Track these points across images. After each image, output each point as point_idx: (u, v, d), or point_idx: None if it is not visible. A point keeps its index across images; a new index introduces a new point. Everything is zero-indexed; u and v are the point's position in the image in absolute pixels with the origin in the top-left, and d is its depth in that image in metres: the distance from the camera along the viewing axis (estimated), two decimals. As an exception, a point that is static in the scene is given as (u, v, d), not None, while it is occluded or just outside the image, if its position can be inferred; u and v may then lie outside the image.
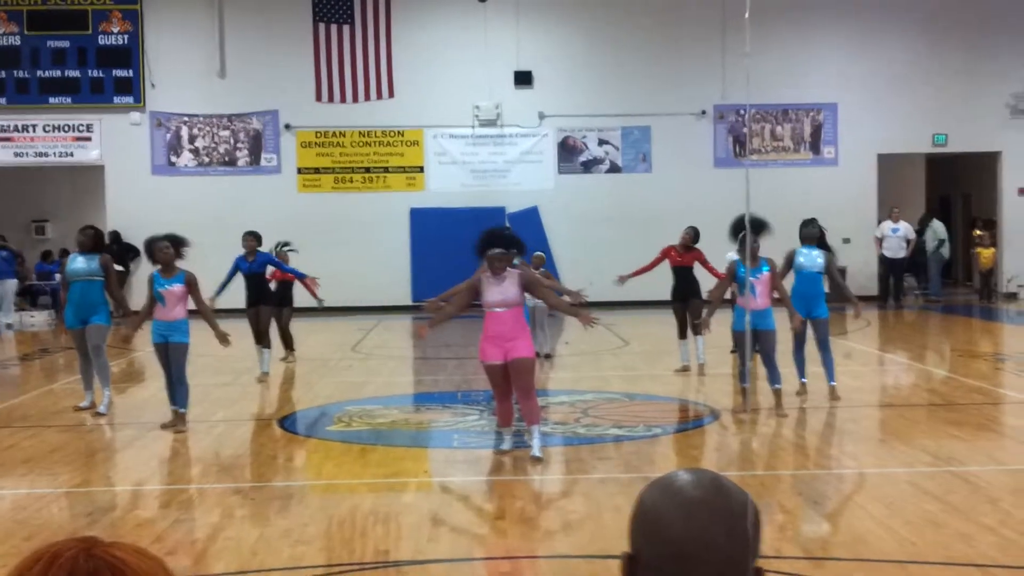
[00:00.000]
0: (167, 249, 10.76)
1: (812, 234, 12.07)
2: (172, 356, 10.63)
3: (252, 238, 14.69)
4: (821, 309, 11.88)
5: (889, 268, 24.34)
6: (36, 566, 1.28)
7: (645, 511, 1.68)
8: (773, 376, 11.00)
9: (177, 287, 10.62)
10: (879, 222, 24.98)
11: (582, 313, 9.38)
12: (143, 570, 1.30)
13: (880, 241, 24.26)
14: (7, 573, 1.30)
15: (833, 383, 11.83)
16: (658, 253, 14.48)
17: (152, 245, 10.91)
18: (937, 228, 25.19)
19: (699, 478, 1.70)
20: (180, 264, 10.91)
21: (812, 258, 11.92)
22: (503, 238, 9.38)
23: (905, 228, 24.28)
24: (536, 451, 9.04)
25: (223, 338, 10.74)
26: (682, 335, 14.18)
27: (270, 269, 15.00)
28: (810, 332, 11.89)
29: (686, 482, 1.69)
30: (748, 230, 10.86)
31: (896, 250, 24.09)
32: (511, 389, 9.28)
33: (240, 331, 14.78)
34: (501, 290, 9.10)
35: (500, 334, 9.05)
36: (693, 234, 14.28)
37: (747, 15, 10.77)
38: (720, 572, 1.63)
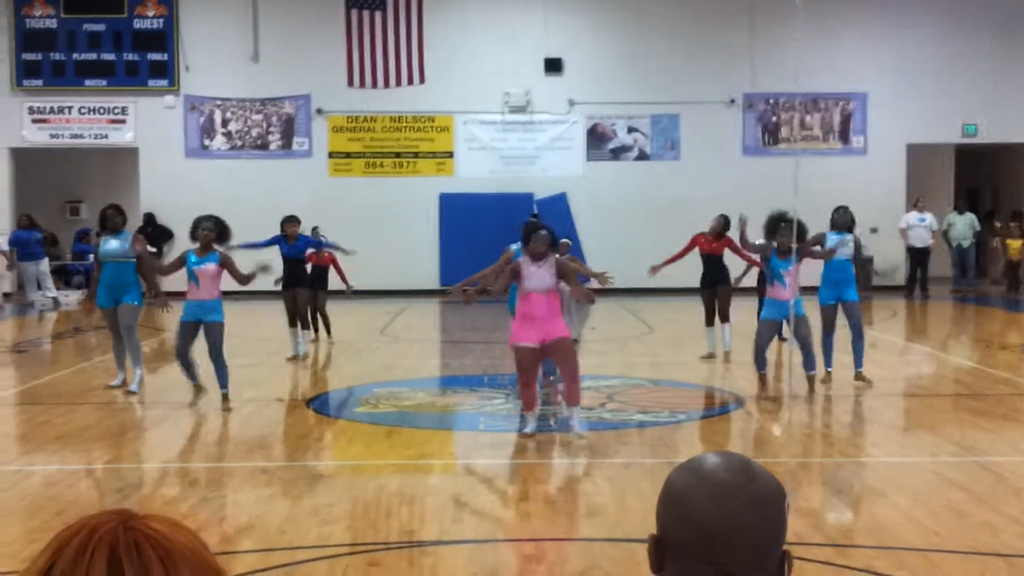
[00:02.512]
0: (210, 232, 10.80)
1: (845, 221, 12.08)
2: (209, 336, 10.72)
3: (295, 223, 14.71)
4: (851, 292, 11.90)
5: (915, 258, 24.15)
6: (74, 539, 1.28)
7: (674, 493, 1.68)
8: (808, 362, 11.01)
9: (211, 266, 10.69)
10: (907, 212, 24.84)
11: (598, 274, 9.59)
12: (180, 542, 1.30)
13: (904, 232, 24.07)
14: (44, 547, 1.29)
15: (860, 369, 11.84)
16: (688, 241, 14.48)
17: (197, 224, 10.93)
18: (973, 219, 24.99)
19: (729, 461, 1.69)
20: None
21: (841, 244, 11.94)
22: (547, 232, 9.52)
23: (931, 218, 24.09)
24: (578, 429, 9.22)
25: (246, 280, 10.86)
26: (709, 322, 14.19)
27: (308, 251, 15.11)
28: (843, 320, 11.88)
29: (715, 465, 1.68)
30: (795, 224, 10.88)
31: (923, 240, 23.92)
32: (536, 374, 9.37)
33: (271, 312, 14.91)
34: (540, 275, 9.23)
35: (536, 315, 9.17)
36: (723, 222, 14.26)
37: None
38: (749, 555, 1.63)
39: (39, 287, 22.57)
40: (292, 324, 14.52)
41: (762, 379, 11.25)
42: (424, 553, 6.29)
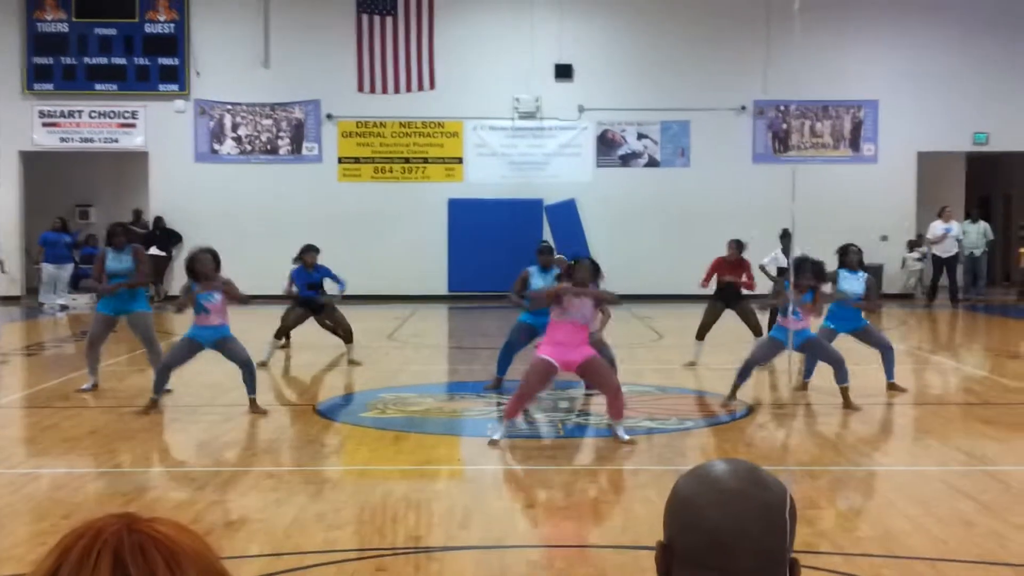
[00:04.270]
0: (208, 263, 10.70)
1: (852, 262, 12.12)
2: (229, 352, 10.75)
3: (314, 253, 14.62)
4: (859, 322, 11.98)
5: (941, 268, 23.96)
6: (79, 542, 1.27)
7: (681, 500, 1.68)
8: (839, 375, 10.98)
9: (218, 298, 10.67)
10: (917, 221, 24.77)
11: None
12: (185, 544, 1.30)
13: (931, 241, 23.90)
14: (49, 550, 1.29)
15: (891, 379, 11.94)
16: (709, 267, 14.42)
17: (194, 259, 10.78)
18: (987, 228, 24.92)
19: (736, 468, 1.69)
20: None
21: (853, 283, 11.99)
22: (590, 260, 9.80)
23: (956, 227, 23.94)
24: (624, 437, 9.28)
25: (246, 300, 10.91)
26: (700, 336, 14.17)
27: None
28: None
29: (723, 472, 1.68)
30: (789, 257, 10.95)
31: (947, 250, 23.75)
32: (537, 392, 9.66)
33: (278, 317, 14.90)
34: (578, 305, 9.37)
35: (565, 342, 9.31)
36: (736, 247, 14.26)
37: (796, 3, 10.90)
38: (756, 563, 1.63)
39: (54, 290, 22.68)
40: (348, 341, 14.44)
41: (735, 389, 11.21)
42: (431, 559, 6.28)
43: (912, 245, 24.80)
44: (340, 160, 25.19)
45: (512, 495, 8.04)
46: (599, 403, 11.37)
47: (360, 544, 6.56)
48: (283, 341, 15.06)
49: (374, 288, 23.92)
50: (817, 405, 11.38)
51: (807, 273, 11.12)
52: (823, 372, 11.74)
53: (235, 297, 10.78)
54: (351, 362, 14.25)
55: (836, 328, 12.08)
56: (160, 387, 10.82)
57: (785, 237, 16.86)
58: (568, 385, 11.77)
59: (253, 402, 10.78)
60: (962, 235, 24.46)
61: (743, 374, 11.17)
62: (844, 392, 10.96)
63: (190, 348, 10.84)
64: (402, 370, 14.09)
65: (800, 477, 8.21)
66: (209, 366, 11.12)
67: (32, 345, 17.53)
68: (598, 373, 9.44)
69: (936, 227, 23.95)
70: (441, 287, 24.69)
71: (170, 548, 1.28)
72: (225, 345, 10.77)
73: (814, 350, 11.22)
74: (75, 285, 24.41)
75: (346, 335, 14.61)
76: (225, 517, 7.18)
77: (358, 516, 7.21)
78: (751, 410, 11.11)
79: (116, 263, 11.75)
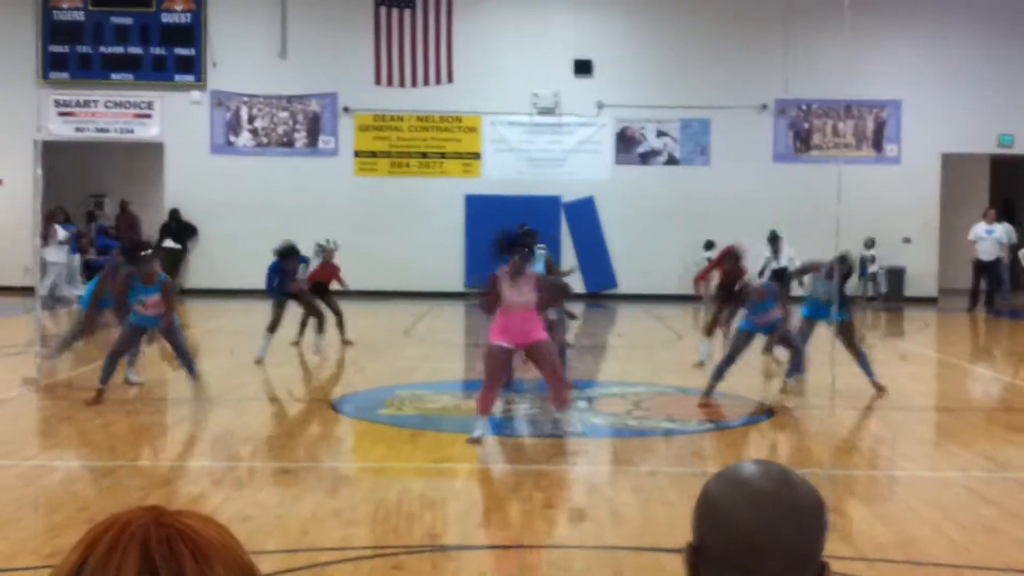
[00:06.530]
0: (155, 267, 10.91)
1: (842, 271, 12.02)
2: (169, 336, 10.99)
3: (294, 258, 14.56)
4: (841, 313, 11.86)
5: (982, 271, 23.38)
6: (107, 535, 1.26)
7: (711, 502, 1.65)
8: (792, 367, 11.13)
9: (155, 296, 10.80)
10: (940, 223, 24.55)
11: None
12: (213, 537, 1.30)
13: (973, 244, 23.51)
14: (75, 544, 1.28)
15: (874, 378, 11.76)
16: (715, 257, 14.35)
17: (146, 258, 10.94)
18: (1009, 230, 24.60)
19: (767, 470, 1.66)
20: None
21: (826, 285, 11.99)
22: (519, 240, 9.62)
23: (1000, 230, 23.37)
24: (573, 427, 9.38)
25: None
26: (709, 332, 14.04)
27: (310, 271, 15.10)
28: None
29: (754, 473, 1.65)
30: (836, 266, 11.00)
31: (990, 252, 23.17)
32: (501, 378, 9.71)
33: (295, 313, 14.85)
34: (519, 291, 9.30)
35: (514, 326, 9.29)
36: (731, 258, 13.99)
37: None
38: (786, 565, 1.60)
39: (71, 281, 22.69)
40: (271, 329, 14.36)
41: (710, 388, 11.17)
42: (447, 558, 6.22)
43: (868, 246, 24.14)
44: (356, 154, 25.14)
45: (530, 494, 7.96)
46: (617, 402, 11.29)
47: (376, 542, 6.51)
48: (274, 335, 14.82)
49: (390, 284, 23.88)
50: (837, 409, 11.28)
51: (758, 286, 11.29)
52: (848, 375, 11.66)
53: (169, 301, 10.92)
54: (317, 351, 14.29)
55: (811, 316, 12.03)
56: (106, 377, 10.86)
57: (773, 240, 16.80)
58: (587, 384, 11.71)
59: (194, 377, 11.04)
60: (1006, 238, 23.92)
61: (718, 373, 11.18)
62: (784, 388, 11.10)
63: (134, 334, 11.04)
64: (418, 367, 14.03)
65: (820, 480, 8.11)
66: (224, 360, 11.07)
67: (47, 337, 17.49)
68: (544, 358, 9.36)
69: (978, 229, 23.45)
70: (457, 284, 24.61)
71: (197, 541, 1.27)
72: (165, 331, 11.00)
73: (782, 333, 11.33)
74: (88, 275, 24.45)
75: (317, 320, 14.58)
76: (241, 512, 7.12)
77: (374, 513, 7.15)
78: (771, 413, 11.02)
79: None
